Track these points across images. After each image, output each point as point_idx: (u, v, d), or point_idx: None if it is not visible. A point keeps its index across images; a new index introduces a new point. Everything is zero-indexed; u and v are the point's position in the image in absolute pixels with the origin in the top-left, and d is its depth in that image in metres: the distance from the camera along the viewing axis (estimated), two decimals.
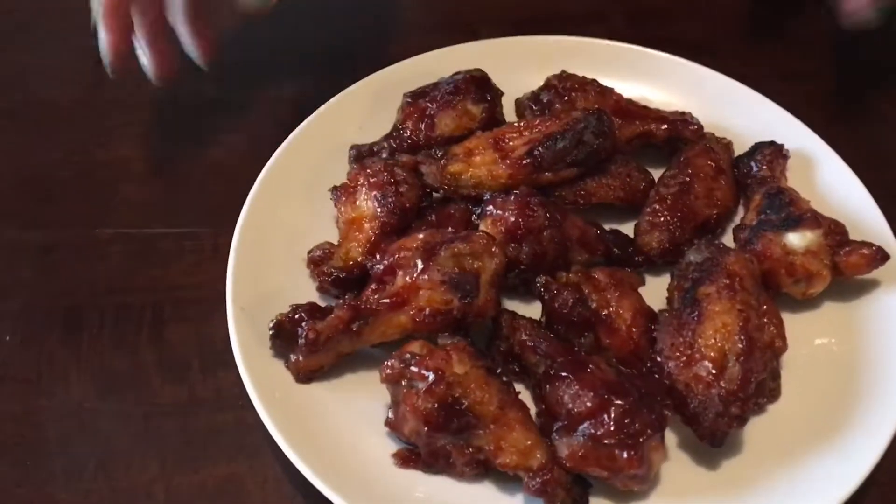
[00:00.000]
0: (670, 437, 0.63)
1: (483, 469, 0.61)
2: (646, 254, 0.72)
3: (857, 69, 0.92)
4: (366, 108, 0.82)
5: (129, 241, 0.79)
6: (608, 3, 1.00)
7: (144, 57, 0.73)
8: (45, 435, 0.67)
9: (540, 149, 0.72)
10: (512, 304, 0.70)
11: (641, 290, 0.70)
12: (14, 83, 0.92)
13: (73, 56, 0.93)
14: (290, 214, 0.75)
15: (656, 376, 0.62)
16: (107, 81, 0.90)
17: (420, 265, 0.64)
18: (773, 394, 0.65)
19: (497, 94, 0.79)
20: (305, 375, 0.65)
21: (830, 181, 0.76)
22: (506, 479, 0.61)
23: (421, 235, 0.66)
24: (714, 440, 0.60)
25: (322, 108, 0.80)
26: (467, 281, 0.63)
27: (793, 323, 0.67)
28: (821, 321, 0.69)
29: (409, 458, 0.62)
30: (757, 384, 0.62)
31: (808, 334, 0.68)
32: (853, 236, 0.70)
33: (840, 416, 0.63)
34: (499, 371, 0.64)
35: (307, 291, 0.71)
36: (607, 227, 0.74)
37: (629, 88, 0.82)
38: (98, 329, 0.73)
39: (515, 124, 0.75)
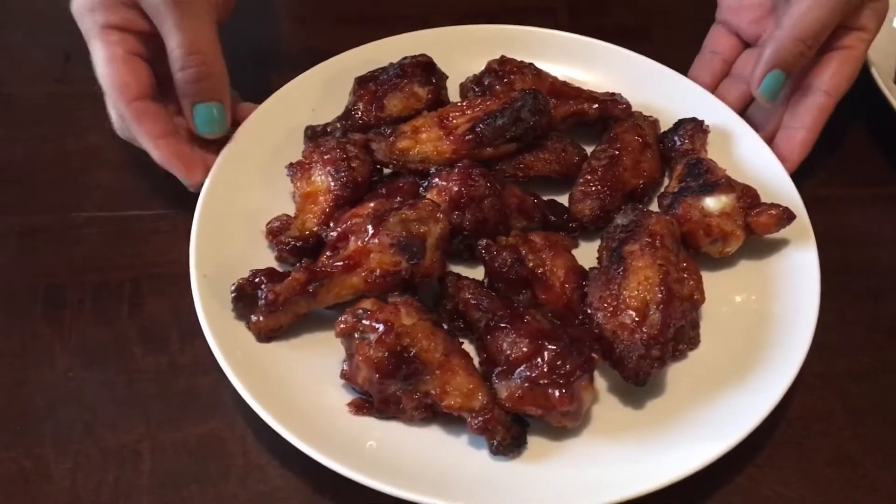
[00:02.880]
0: (601, 382, 0.70)
1: (431, 413, 0.66)
2: (579, 220, 0.78)
3: None
4: (318, 92, 0.87)
5: (105, 223, 0.83)
6: None
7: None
8: (33, 403, 0.71)
9: (481, 126, 0.78)
10: (457, 269, 0.76)
11: (575, 252, 0.76)
12: None
13: (42, 53, 0.97)
14: (249, 190, 0.79)
15: (587, 326, 0.69)
16: (76, 76, 0.96)
17: (371, 230, 0.69)
18: (693, 341, 0.71)
19: (442, 77, 0.85)
20: (265, 335, 0.70)
21: (746, 152, 0.83)
22: (452, 422, 0.67)
23: (371, 204, 0.72)
24: (638, 380, 0.66)
25: (277, 92, 0.85)
26: (414, 244, 0.69)
27: (712, 280, 0.74)
28: (737, 278, 0.76)
29: (363, 406, 0.67)
30: (676, 331, 0.68)
31: (725, 289, 0.75)
32: (767, 200, 0.77)
33: (751, 359, 0.70)
34: (445, 327, 0.71)
35: (266, 261, 0.75)
36: (544, 197, 0.81)
37: (564, 72, 0.88)
38: (79, 305, 0.77)
39: (459, 104, 0.81)
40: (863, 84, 0.89)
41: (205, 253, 0.74)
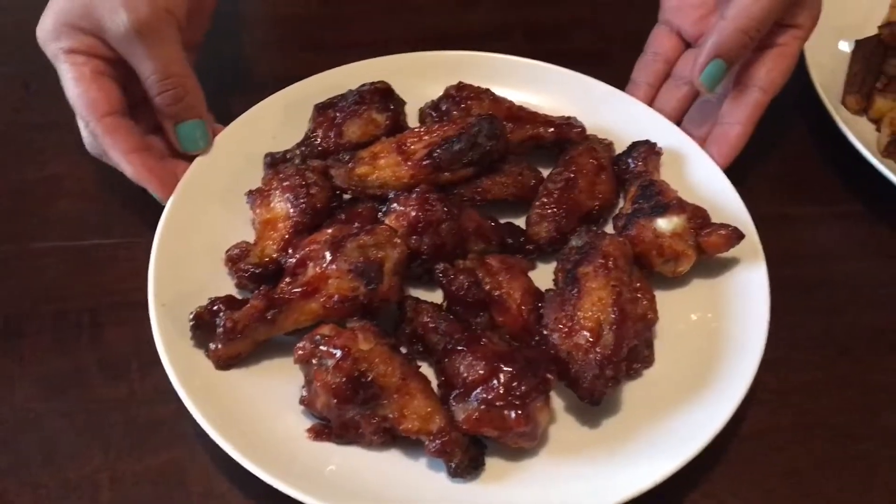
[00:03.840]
0: (557, 402, 0.71)
1: (390, 437, 0.67)
2: (535, 242, 0.79)
3: None
4: (279, 120, 0.87)
5: (65, 252, 0.83)
6: (510, 20, 1.08)
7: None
8: None
9: (438, 151, 0.79)
10: (417, 293, 0.77)
11: (532, 274, 0.77)
12: None
13: (1, 82, 0.97)
14: (209, 218, 0.80)
15: (543, 347, 0.70)
16: (35, 105, 0.96)
17: (329, 256, 0.70)
18: (647, 360, 0.73)
19: (400, 103, 0.86)
20: (225, 363, 0.70)
21: (698, 173, 0.84)
22: (411, 445, 0.67)
23: (329, 230, 0.72)
24: (593, 399, 0.67)
25: (237, 119, 0.86)
26: (372, 269, 0.70)
27: (666, 299, 0.76)
28: (690, 296, 0.77)
29: (322, 431, 0.68)
30: (630, 350, 0.69)
31: (679, 308, 0.76)
32: (718, 220, 0.78)
33: (704, 377, 0.71)
34: (405, 352, 0.72)
35: (226, 288, 0.76)
36: (502, 220, 0.82)
37: (521, 96, 0.89)
38: (38, 336, 0.77)
39: (416, 130, 0.82)
40: (811, 105, 0.91)
41: (163, 281, 0.74)
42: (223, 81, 0.97)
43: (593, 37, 1.07)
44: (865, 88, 0.94)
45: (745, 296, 0.76)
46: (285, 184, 0.78)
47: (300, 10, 1.09)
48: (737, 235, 0.75)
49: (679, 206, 0.76)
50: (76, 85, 0.77)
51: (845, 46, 0.98)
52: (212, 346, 0.70)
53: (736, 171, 0.88)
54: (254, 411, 0.69)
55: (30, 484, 0.69)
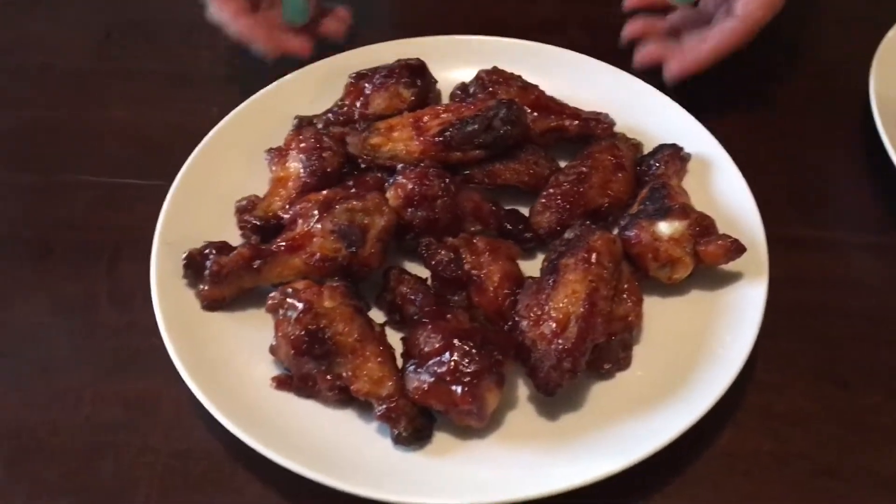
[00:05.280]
0: (522, 390, 0.70)
1: (346, 396, 0.68)
2: (535, 232, 0.79)
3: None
4: (318, 86, 0.90)
5: (102, 188, 0.89)
6: (570, 14, 1.06)
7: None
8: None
9: (451, 130, 0.80)
10: (411, 267, 0.78)
11: (530, 264, 0.77)
12: (32, 48, 1.04)
13: (88, 30, 1.05)
14: (232, 170, 0.83)
15: (513, 333, 0.69)
16: (111, 53, 1.03)
17: (316, 215, 0.72)
18: (623, 363, 0.71)
19: (430, 81, 0.87)
20: (210, 304, 0.74)
21: (723, 185, 0.81)
22: (366, 409, 0.69)
23: (325, 192, 0.75)
24: (547, 389, 0.66)
25: (277, 82, 0.90)
26: (353, 233, 0.71)
27: (660, 306, 0.74)
28: (686, 306, 0.74)
29: (286, 381, 0.70)
30: (601, 349, 0.68)
31: (671, 317, 0.74)
32: (730, 233, 0.75)
33: (676, 387, 0.69)
34: (384, 320, 0.73)
35: (233, 237, 0.79)
36: (510, 207, 0.82)
37: (561, 88, 0.88)
38: (61, 259, 0.83)
39: (437, 107, 0.83)
40: (874, 129, 0.85)
41: (173, 221, 0.78)
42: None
43: None
44: None
45: (740, 313, 0.72)
46: (302, 145, 0.81)
47: None
48: (736, 248, 0.72)
49: (682, 211, 0.74)
50: None
51: None
52: (200, 286, 0.73)
53: (777, 189, 0.85)
54: (228, 353, 0.72)
55: (22, 389, 0.74)
